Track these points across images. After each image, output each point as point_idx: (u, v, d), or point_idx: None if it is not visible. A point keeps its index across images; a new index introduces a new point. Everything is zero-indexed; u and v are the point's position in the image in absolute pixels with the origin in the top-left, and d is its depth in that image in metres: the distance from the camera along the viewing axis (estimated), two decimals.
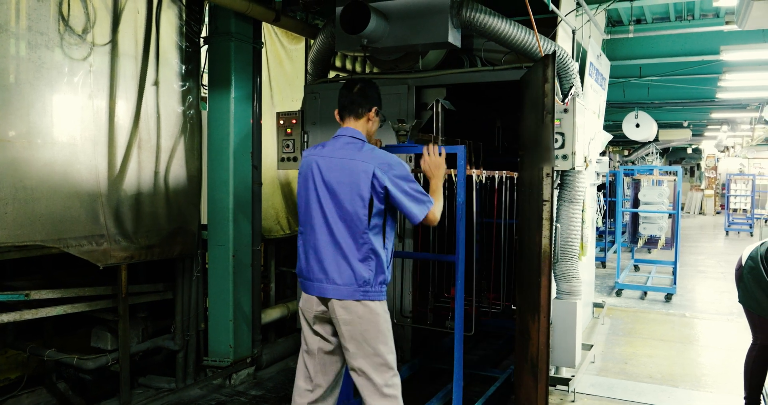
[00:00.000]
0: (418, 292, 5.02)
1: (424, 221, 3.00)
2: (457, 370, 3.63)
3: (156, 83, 4.62)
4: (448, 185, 4.43)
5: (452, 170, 4.04)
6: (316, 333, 3.07)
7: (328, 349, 3.08)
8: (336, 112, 3.21)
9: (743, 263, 4.22)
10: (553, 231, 3.56)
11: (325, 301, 2.99)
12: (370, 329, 2.94)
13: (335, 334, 3.04)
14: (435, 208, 3.01)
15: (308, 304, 3.05)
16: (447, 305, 5.18)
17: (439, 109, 4.92)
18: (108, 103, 4.28)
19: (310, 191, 3.06)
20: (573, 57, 4.98)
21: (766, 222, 16.71)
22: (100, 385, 4.80)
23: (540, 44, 4.29)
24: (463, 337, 3.59)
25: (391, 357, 3.02)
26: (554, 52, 3.71)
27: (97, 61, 4.19)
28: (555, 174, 4.74)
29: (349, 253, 2.94)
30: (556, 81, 4.64)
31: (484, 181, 4.59)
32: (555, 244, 4.73)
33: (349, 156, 3.00)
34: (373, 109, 3.15)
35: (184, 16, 4.82)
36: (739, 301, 4.25)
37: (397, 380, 3.03)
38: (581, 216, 4.71)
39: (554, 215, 3.34)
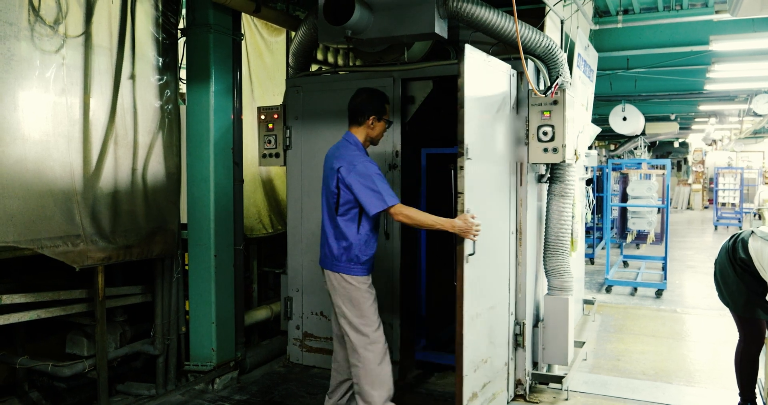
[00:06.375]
0: None
1: (392, 216, 3.54)
2: None
3: (132, 77, 4.45)
4: None
5: None
6: (329, 295, 3.78)
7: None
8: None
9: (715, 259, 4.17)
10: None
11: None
12: (342, 295, 3.66)
13: None
14: (403, 210, 3.51)
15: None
16: None
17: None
18: (82, 97, 4.10)
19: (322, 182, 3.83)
20: (561, 48, 4.89)
21: (755, 216, 16.76)
22: (76, 394, 4.62)
23: (518, 32, 4.14)
24: None
25: (359, 321, 3.64)
26: (464, 48, 3.54)
27: (69, 54, 4.01)
28: (546, 168, 4.65)
29: (328, 234, 3.69)
30: (544, 70, 4.56)
31: None
32: (547, 239, 4.63)
33: (335, 155, 3.67)
34: (371, 117, 3.72)
35: (160, 6, 4.64)
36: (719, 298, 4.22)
37: (367, 341, 3.63)
38: (571, 210, 4.61)
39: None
